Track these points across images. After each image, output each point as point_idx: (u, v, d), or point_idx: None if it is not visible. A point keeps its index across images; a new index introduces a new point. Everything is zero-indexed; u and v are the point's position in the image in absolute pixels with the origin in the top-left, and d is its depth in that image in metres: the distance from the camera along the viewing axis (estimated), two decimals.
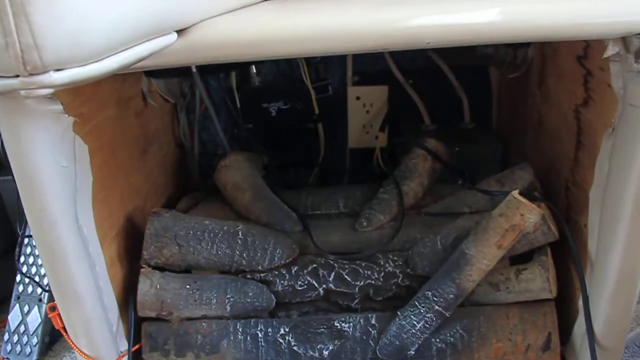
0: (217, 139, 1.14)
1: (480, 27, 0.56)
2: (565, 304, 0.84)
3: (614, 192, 0.69)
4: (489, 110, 1.20)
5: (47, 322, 1.08)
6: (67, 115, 0.67)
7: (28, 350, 1.07)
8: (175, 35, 0.56)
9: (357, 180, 1.15)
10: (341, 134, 1.16)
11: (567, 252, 0.83)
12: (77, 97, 0.72)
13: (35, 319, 1.09)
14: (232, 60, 0.58)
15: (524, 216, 0.73)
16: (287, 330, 0.82)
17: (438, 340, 0.81)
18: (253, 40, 0.56)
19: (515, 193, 0.75)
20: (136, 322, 0.84)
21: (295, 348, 0.82)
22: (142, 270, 0.83)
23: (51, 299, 1.05)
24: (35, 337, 1.08)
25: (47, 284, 1.08)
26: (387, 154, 1.06)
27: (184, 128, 1.14)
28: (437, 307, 0.77)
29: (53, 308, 0.77)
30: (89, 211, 0.75)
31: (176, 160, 1.14)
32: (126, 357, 0.83)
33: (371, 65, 1.15)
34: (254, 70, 1.13)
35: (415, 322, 0.78)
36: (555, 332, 0.82)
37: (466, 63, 1.14)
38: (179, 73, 1.03)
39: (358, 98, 1.15)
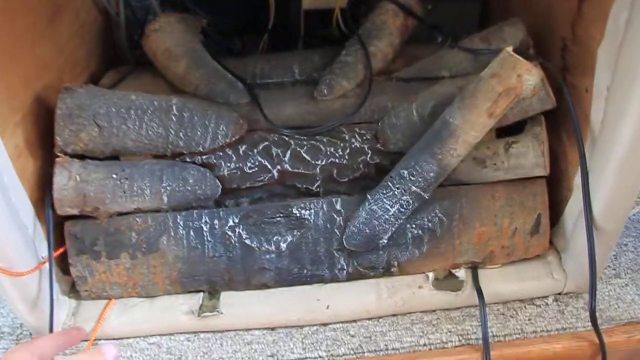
0: (148, 2, 0.95)
1: None
2: (556, 182, 0.73)
3: (635, 46, 0.56)
4: None
5: None
6: None
7: None
8: None
9: (314, 47, 0.99)
10: None
11: (562, 123, 0.71)
12: None
13: None
14: None
15: (521, 77, 0.60)
16: (236, 221, 0.69)
17: (414, 225, 0.70)
18: None
19: (510, 49, 0.61)
20: (56, 222, 0.69)
21: (247, 241, 0.69)
22: (57, 159, 0.68)
23: None
24: None
25: None
26: (349, 14, 0.90)
27: None
28: (414, 187, 0.65)
29: None
30: None
31: (99, 29, 0.95)
32: (47, 264, 0.69)
33: None
34: None
35: (388, 207, 0.66)
36: (546, 213, 0.72)
37: None
38: None
39: None
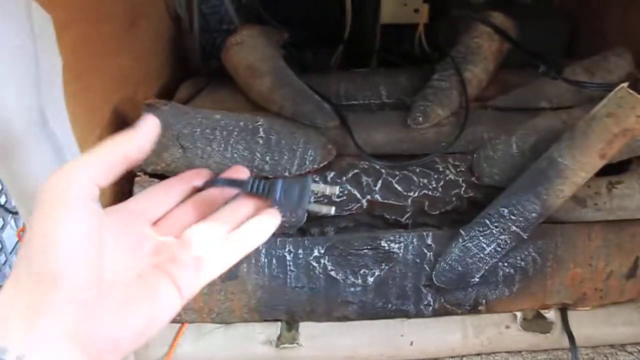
0: (222, 9, 0.92)
1: None
2: None
3: None
4: None
5: None
6: None
7: (7, 270, 0.92)
8: None
9: (387, 63, 0.95)
10: (372, 5, 0.95)
11: None
12: None
13: (10, 235, 0.93)
14: None
15: None
16: (322, 251, 0.66)
17: (506, 264, 0.66)
18: None
19: (625, 87, 0.58)
20: None
21: (332, 273, 0.66)
22: (136, 179, 0.66)
23: None
24: (14, 256, 0.92)
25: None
26: (431, 32, 0.86)
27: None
28: (514, 227, 0.62)
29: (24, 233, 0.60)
30: (60, 107, 0.56)
31: (171, 37, 0.92)
32: None
33: None
34: None
35: (484, 245, 0.63)
36: None
37: None
38: None
39: None
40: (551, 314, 0.70)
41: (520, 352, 0.70)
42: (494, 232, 0.62)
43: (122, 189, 0.67)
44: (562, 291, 0.68)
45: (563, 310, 0.70)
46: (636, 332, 0.70)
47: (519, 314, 0.70)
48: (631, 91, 0.57)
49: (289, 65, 0.76)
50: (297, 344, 0.67)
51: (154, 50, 0.84)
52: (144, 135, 0.37)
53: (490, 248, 0.63)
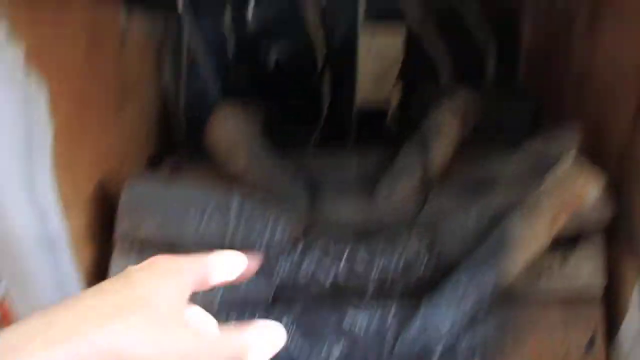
0: (207, 87, 0.98)
1: None
2: (612, 298, 0.71)
3: None
4: (516, 65, 1.04)
5: None
6: (15, 41, 0.54)
7: None
8: None
9: (365, 141, 1.00)
10: (348, 88, 1.01)
11: (617, 237, 0.70)
12: (32, 22, 0.57)
13: None
14: None
15: (583, 190, 0.60)
16: (289, 323, 0.69)
17: (466, 340, 0.68)
18: None
19: (572, 159, 0.62)
20: None
21: (298, 344, 0.69)
22: (115, 249, 0.69)
23: None
24: None
25: None
26: (400, 113, 0.92)
27: (169, 75, 0.97)
28: (471, 300, 0.64)
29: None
30: (47, 173, 0.61)
31: (158, 113, 0.98)
32: None
33: (385, 12, 0.99)
34: (251, 7, 0.97)
35: (443, 318, 0.65)
36: (601, 331, 0.70)
37: (494, 12, 0.98)
38: (164, 7, 0.87)
39: (369, 48, 0.99)
40: None
41: None
42: (452, 305, 0.65)
43: (102, 257, 0.71)
44: None
45: None
46: None
47: None
48: (574, 165, 0.61)
49: (268, 142, 0.80)
50: None
51: (141, 127, 0.89)
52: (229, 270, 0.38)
53: (448, 321, 0.65)
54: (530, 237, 0.62)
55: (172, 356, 0.31)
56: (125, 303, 0.31)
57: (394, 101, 0.91)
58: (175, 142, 0.99)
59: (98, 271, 0.70)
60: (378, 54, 0.98)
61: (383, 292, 0.70)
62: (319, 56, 0.98)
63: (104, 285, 0.32)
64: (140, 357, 0.30)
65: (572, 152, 0.62)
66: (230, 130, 0.80)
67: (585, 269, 0.67)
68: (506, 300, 0.68)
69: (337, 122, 1.01)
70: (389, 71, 0.98)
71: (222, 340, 0.35)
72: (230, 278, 0.38)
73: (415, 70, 0.99)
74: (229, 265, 0.38)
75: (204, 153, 0.84)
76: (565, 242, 0.69)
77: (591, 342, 0.69)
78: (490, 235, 0.65)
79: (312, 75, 1.00)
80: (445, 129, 0.78)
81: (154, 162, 0.87)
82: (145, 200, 0.69)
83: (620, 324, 0.70)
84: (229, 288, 0.66)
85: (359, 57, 0.99)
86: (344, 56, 0.99)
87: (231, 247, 0.68)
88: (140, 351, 0.30)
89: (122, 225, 0.69)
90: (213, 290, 0.66)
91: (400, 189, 0.73)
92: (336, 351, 0.68)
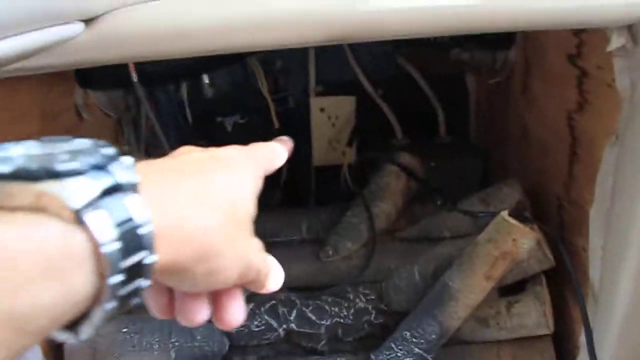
0: (167, 153, 1.01)
1: (458, 12, 0.46)
2: (563, 339, 0.73)
3: (622, 211, 0.58)
4: (466, 121, 1.09)
5: None
6: None
7: None
8: (81, 25, 0.44)
9: (324, 201, 1.03)
10: (305, 150, 1.05)
11: (563, 280, 0.72)
12: None
13: None
14: (150, 57, 0.46)
15: (516, 241, 0.63)
16: None
17: None
18: (174, 32, 0.44)
19: (505, 214, 0.64)
20: None
21: None
22: None
23: None
24: None
25: None
26: (355, 172, 0.95)
27: (131, 144, 1.01)
28: (417, 349, 0.66)
29: None
30: None
31: None
32: None
33: (336, 74, 1.04)
34: (207, 81, 1.01)
35: None
36: None
37: (440, 71, 1.03)
38: (119, 84, 0.91)
39: (322, 110, 1.03)
40: None
41: None
42: (399, 355, 0.66)
43: None
44: None
45: None
46: None
47: None
48: (507, 218, 0.63)
49: None
50: None
51: None
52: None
53: None
54: (468, 286, 0.64)
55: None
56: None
57: (346, 162, 0.95)
58: None
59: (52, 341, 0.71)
60: (330, 117, 1.03)
61: (335, 344, 0.71)
62: (275, 122, 1.02)
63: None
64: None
65: (506, 210, 0.65)
66: None
67: (532, 313, 0.69)
68: (457, 345, 0.70)
69: (296, 184, 1.04)
70: (342, 133, 1.02)
71: None
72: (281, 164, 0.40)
73: (368, 130, 1.03)
74: (281, 152, 0.40)
75: None
76: (510, 290, 0.71)
77: None
78: (432, 288, 0.67)
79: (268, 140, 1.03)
80: (390, 189, 0.81)
81: None
82: None
83: None
84: (184, 346, 0.68)
85: (312, 121, 1.03)
86: (298, 120, 1.03)
87: None
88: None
89: None
90: (168, 347, 0.68)
91: (345, 249, 0.75)
92: None
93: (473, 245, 0.64)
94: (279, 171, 1.02)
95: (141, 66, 0.81)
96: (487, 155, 0.99)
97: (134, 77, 0.83)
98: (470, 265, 0.64)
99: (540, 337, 0.71)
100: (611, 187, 0.60)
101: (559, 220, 0.75)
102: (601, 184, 0.62)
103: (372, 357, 0.68)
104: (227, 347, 0.71)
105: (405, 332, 0.66)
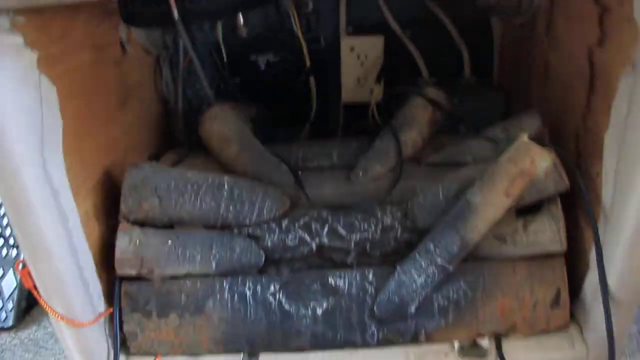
0: (203, 94, 1.07)
1: None
2: (575, 258, 0.78)
3: (634, 134, 0.63)
4: (490, 62, 1.13)
5: (23, 286, 1.01)
6: (29, 50, 0.63)
7: (3, 315, 1.01)
8: None
9: (350, 135, 1.08)
10: (334, 88, 1.10)
11: (576, 204, 0.77)
12: (43, 35, 0.66)
13: (10, 282, 1.03)
14: None
15: (534, 161, 0.68)
16: (277, 287, 0.76)
17: (440, 297, 0.75)
18: None
19: (525, 137, 0.69)
20: (115, 282, 0.77)
21: (286, 306, 0.76)
22: (120, 225, 0.77)
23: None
24: (10, 302, 1.02)
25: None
26: (383, 108, 1.00)
27: (167, 82, 1.07)
28: (439, 260, 0.72)
29: (23, 265, 0.71)
30: (58, 159, 0.69)
31: (159, 116, 1.07)
32: (104, 318, 0.77)
33: (366, 15, 1.08)
34: (241, 21, 1.06)
35: (415, 277, 0.73)
36: (565, 287, 0.76)
37: (467, 13, 1.07)
38: (160, 22, 0.96)
39: (352, 49, 1.08)
40: (486, 342, 0.78)
41: None
42: (423, 265, 0.72)
43: (107, 236, 0.78)
44: (494, 321, 0.77)
45: (497, 338, 0.78)
46: (565, 358, 0.78)
47: (456, 343, 0.78)
48: (526, 140, 0.68)
49: (257, 137, 0.88)
50: None
51: (143, 125, 0.98)
52: None
53: (420, 280, 0.73)
54: (488, 203, 0.69)
55: None
56: None
57: (374, 99, 1.00)
58: (175, 143, 1.08)
59: (106, 245, 0.77)
60: (360, 56, 1.07)
61: (363, 258, 0.77)
62: (306, 61, 1.07)
63: None
64: None
65: (526, 133, 0.70)
66: (222, 124, 0.88)
67: (546, 231, 0.74)
68: (476, 261, 0.75)
69: (325, 120, 1.09)
70: (370, 71, 1.07)
71: None
72: None
73: (395, 70, 1.08)
74: None
75: (200, 150, 0.92)
76: (527, 210, 0.76)
77: (557, 297, 0.76)
78: (454, 205, 0.72)
79: (299, 79, 1.08)
80: (416, 120, 0.86)
81: (155, 158, 0.95)
82: (146, 181, 0.77)
83: (583, 281, 0.77)
84: (224, 258, 0.75)
85: (342, 60, 1.08)
86: (328, 59, 1.08)
87: (223, 222, 0.76)
88: None
89: (126, 204, 0.76)
90: (209, 259, 0.75)
91: (374, 170, 0.80)
92: (321, 309, 0.75)
93: (494, 165, 0.70)
94: (309, 107, 1.09)
95: (181, 4, 0.86)
96: (509, 95, 1.03)
97: (175, 14, 0.88)
98: (491, 182, 0.69)
99: (553, 255, 0.76)
100: (625, 114, 0.65)
101: (576, 150, 0.79)
102: (616, 110, 0.67)
103: (398, 267, 0.74)
104: (263, 260, 0.77)
105: (429, 244, 0.72)
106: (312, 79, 1.08)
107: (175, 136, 1.08)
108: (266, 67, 1.08)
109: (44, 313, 0.99)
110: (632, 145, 0.64)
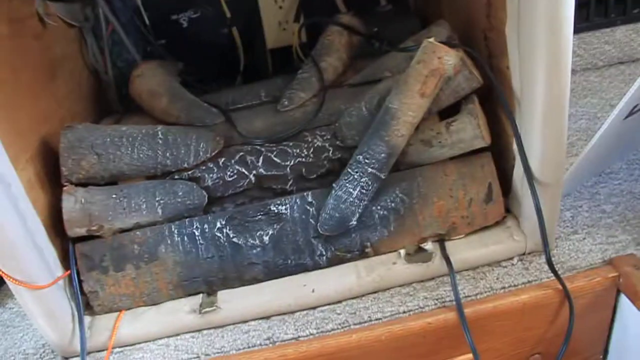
0: (131, 60, 1.09)
1: None
2: (501, 154, 0.82)
3: (526, 20, 0.67)
4: None
5: None
6: None
7: None
8: None
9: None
10: (258, 35, 1.12)
11: (494, 101, 0.81)
12: None
13: None
14: None
15: (441, 59, 0.71)
16: (223, 223, 0.79)
17: (379, 207, 0.79)
18: None
19: (430, 39, 0.73)
20: (64, 246, 0.79)
21: (234, 239, 0.79)
22: (64, 188, 0.79)
23: None
24: None
25: None
26: (307, 47, 1.02)
27: (95, 53, 1.08)
28: (370, 169, 0.75)
29: None
30: None
31: (92, 87, 1.08)
32: (64, 281, 0.79)
33: None
34: None
35: (351, 190, 0.76)
36: (495, 181, 0.80)
37: None
38: None
39: None
40: (430, 246, 0.82)
41: (410, 283, 0.81)
42: (355, 177, 0.76)
43: (53, 202, 0.80)
44: (434, 224, 0.81)
45: (440, 241, 0.82)
46: (507, 249, 0.82)
47: (402, 251, 0.82)
48: (432, 41, 0.72)
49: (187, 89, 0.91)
50: (217, 307, 0.79)
51: (76, 96, 1.00)
52: None
53: (356, 192, 0.76)
54: (406, 106, 0.73)
55: None
56: None
57: (295, 40, 1.02)
58: (111, 110, 1.09)
59: (54, 211, 0.79)
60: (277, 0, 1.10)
61: (301, 183, 0.81)
62: (226, 13, 1.09)
63: None
64: None
65: (432, 38, 0.73)
66: (150, 80, 0.90)
67: (467, 129, 0.77)
68: (408, 169, 0.79)
69: (255, 68, 1.11)
70: (289, 13, 1.10)
71: None
72: None
73: (313, 7, 1.11)
74: None
75: (135, 111, 0.94)
76: (447, 112, 0.80)
77: (489, 192, 0.80)
78: (377, 114, 0.76)
79: (222, 32, 1.10)
80: (334, 46, 0.89)
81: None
82: (81, 140, 0.78)
83: (512, 173, 0.81)
84: (168, 203, 0.77)
85: (261, 7, 1.10)
86: (247, 7, 1.10)
87: (163, 169, 0.78)
88: None
89: (65, 165, 0.78)
90: (155, 206, 0.77)
91: (299, 97, 0.83)
92: (268, 234, 0.79)
93: (406, 69, 0.73)
94: (238, 58, 1.10)
95: None
96: (425, 19, 1.06)
97: None
98: (406, 86, 0.72)
99: (479, 154, 0.80)
100: (517, 5, 0.68)
101: (487, 48, 0.83)
102: (511, 3, 0.71)
103: (334, 185, 0.77)
104: (206, 200, 0.80)
105: (359, 156, 0.75)
106: (235, 30, 1.10)
107: (110, 105, 1.10)
108: (188, 25, 1.10)
109: (8, 295, 1.00)
110: (527, 32, 0.67)
